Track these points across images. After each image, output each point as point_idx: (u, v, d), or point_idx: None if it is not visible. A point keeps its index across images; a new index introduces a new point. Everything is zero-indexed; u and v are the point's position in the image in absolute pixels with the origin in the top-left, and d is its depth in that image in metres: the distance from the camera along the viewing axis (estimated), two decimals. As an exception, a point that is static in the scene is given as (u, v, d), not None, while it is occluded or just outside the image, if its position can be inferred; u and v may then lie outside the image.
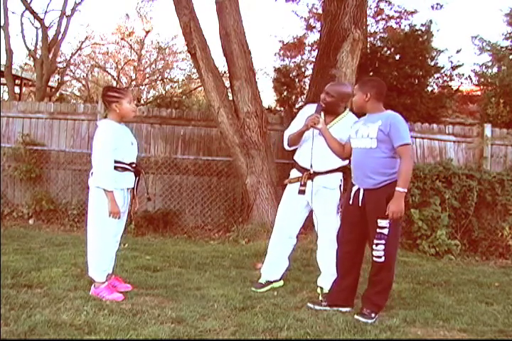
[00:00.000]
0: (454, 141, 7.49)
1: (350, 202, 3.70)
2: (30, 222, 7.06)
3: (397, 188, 3.46)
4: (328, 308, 3.67)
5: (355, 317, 3.47)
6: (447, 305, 3.94)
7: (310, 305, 3.73)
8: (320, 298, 3.94)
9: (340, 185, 4.19)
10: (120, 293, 3.70)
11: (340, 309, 3.66)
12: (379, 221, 3.50)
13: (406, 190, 3.49)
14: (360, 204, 3.63)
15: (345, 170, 4.18)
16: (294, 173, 4.25)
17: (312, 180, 4.10)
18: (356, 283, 3.78)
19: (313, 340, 3.06)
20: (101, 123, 3.80)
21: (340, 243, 3.78)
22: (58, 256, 4.83)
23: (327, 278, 4.06)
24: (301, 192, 4.11)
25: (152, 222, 6.86)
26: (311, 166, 4.06)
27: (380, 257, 3.52)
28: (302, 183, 4.10)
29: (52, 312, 3.21)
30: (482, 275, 5.24)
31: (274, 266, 4.30)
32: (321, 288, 4.11)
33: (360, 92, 3.69)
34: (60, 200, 7.19)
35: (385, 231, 3.49)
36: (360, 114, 3.88)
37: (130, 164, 3.78)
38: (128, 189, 3.82)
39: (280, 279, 4.34)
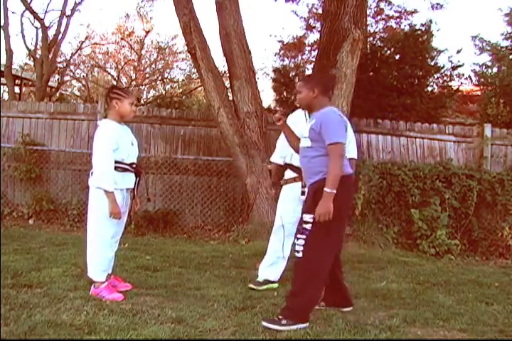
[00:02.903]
0: (454, 141, 7.50)
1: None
2: (30, 222, 7.06)
3: (324, 188, 3.25)
4: (326, 308, 3.65)
5: (262, 323, 3.22)
6: (447, 305, 3.94)
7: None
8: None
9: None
10: (120, 292, 3.70)
11: (341, 309, 3.63)
12: (304, 215, 3.38)
13: (334, 191, 3.22)
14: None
15: None
16: (289, 174, 4.34)
17: None
18: (339, 280, 3.70)
19: (313, 340, 3.06)
20: (101, 122, 3.79)
21: None
22: (58, 256, 4.83)
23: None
24: (304, 193, 4.14)
25: (152, 222, 6.85)
26: None
27: (298, 252, 3.34)
28: (303, 184, 4.13)
29: (52, 312, 3.21)
30: (482, 275, 5.24)
31: (273, 266, 4.33)
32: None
33: (305, 89, 3.51)
34: (60, 200, 7.19)
35: (308, 226, 3.31)
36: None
37: (130, 164, 3.77)
38: (128, 189, 3.81)
39: (278, 280, 4.36)
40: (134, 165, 3.81)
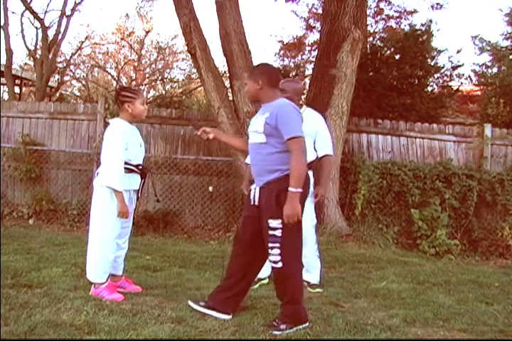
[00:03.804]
0: (454, 141, 7.50)
1: (251, 202, 3.35)
2: (30, 222, 7.06)
3: (289, 188, 3.05)
4: (204, 310, 3.35)
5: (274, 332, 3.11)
6: (447, 305, 3.93)
7: (190, 302, 3.45)
8: (309, 289, 4.14)
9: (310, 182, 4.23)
10: (120, 293, 3.69)
11: (216, 315, 3.31)
12: (269, 221, 3.15)
13: (300, 190, 3.04)
14: (255, 203, 3.28)
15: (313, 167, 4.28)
16: None
17: None
18: (237, 287, 3.40)
19: (313, 340, 3.06)
20: (112, 121, 3.78)
21: (234, 243, 3.55)
22: (58, 256, 4.83)
23: (310, 271, 4.26)
24: None
25: (152, 222, 6.86)
26: None
27: (276, 262, 3.16)
28: None
29: (52, 312, 3.21)
30: (482, 275, 5.23)
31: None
32: (308, 282, 4.25)
33: (250, 81, 3.34)
34: (60, 200, 7.19)
35: (278, 232, 3.12)
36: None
37: (136, 166, 3.76)
38: (134, 190, 3.80)
39: (269, 276, 4.38)
40: (140, 167, 3.81)
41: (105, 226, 3.66)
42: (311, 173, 4.22)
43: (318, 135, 4.30)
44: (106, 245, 3.67)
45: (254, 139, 3.31)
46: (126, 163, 3.65)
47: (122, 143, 3.61)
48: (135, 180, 3.77)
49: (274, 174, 3.17)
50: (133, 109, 3.71)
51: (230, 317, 3.31)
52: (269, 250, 3.18)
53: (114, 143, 3.61)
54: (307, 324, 3.24)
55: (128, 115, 3.74)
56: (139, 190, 3.83)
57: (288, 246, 3.16)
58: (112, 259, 3.74)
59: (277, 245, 3.15)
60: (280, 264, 3.17)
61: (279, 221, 3.12)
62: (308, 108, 4.43)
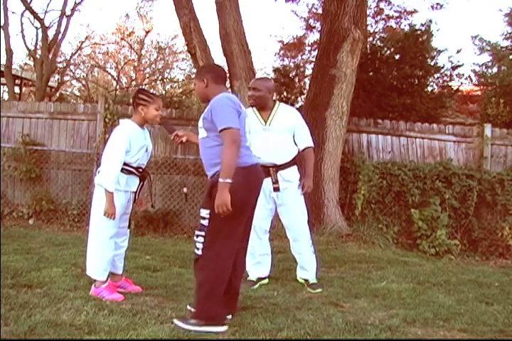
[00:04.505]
0: (454, 141, 7.50)
1: None
2: (30, 222, 7.06)
3: (219, 179, 3.08)
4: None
5: (174, 321, 3.14)
6: (447, 305, 3.93)
7: (188, 307, 3.43)
8: (308, 289, 4.17)
9: (300, 178, 4.29)
10: (120, 293, 3.70)
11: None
12: (200, 210, 3.27)
13: (228, 180, 3.04)
14: None
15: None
16: None
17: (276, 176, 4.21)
18: (232, 285, 3.32)
19: (313, 340, 3.06)
20: (122, 122, 3.81)
21: None
22: (58, 256, 4.83)
23: (306, 269, 4.29)
24: (276, 189, 4.20)
25: (152, 222, 6.86)
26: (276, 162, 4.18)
27: (198, 249, 3.23)
28: (274, 180, 4.17)
29: (52, 312, 3.21)
30: (482, 275, 5.23)
31: (260, 264, 4.34)
32: (306, 281, 4.28)
33: (197, 81, 3.47)
34: (60, 200, 7.19)
35: (205, 222, 3.21)
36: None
37: (137, 168, 3.77)
38: (132, 192, 3.81)
39: (269, 276, 4.39)
40: (141, 170, 3.81)
41: (102, 225, 3.67)
42: (296, 167, 4.27)
43: (297, 129, 4.32)
44: (103, 243, 3.69)
45: (199, 135, 3.42)
46: (126, 165, 3.67)
47: (125, 145, 3.62)
48: (133, 182, 3.78)
49: (216, 167, 3.20)
50: (146, 112, 3.73)
51: (229, 317, 3.31)
52: (195, 237, 3.26)
53: (116, 143, 3.63)
54: (223, 328, 3.09)
55: (140, 118, 3.76)
56: (136, 192, 3.84)
57: (212, 237, 3.19)
58: (111, 257, 3.75)
59: (202, 234, 3.23)
60: (200, 252, 3.22)
61: (208, 211, 3.19)
62: (282, 103, 4.46)
